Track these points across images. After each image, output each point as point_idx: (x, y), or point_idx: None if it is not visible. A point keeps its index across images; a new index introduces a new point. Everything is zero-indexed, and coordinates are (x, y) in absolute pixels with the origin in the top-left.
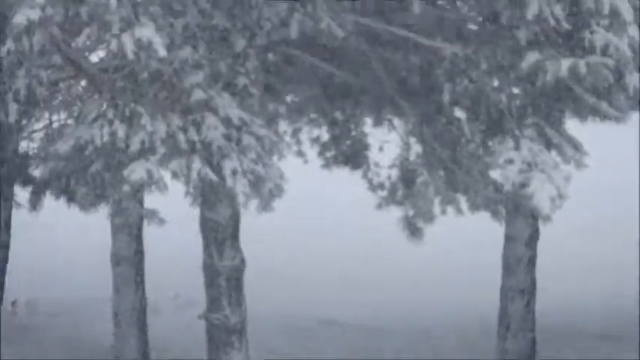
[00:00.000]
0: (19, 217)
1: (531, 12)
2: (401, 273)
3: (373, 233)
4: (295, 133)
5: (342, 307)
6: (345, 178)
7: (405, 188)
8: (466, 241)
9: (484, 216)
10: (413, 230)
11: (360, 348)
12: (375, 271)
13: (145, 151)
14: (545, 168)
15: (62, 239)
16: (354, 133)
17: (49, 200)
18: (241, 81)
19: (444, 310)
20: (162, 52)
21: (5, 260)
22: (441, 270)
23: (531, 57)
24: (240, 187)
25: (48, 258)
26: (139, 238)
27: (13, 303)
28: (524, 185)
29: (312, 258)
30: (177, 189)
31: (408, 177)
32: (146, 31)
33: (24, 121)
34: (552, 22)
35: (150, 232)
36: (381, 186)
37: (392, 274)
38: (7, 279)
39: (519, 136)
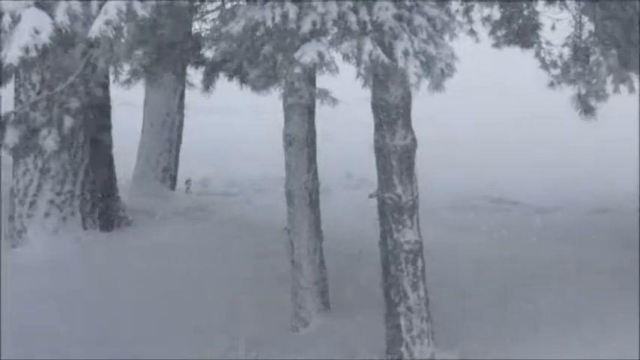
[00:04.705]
0: (194, 99)
1: None
2: (573, 153)
3: (545, 113)
4: (467, 12)
5: (515, 187)
6: (516, 57)
7: (578, 67)
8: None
9: None
10: (586, 108)
11: (532, 224)
12: (548, 151)
13: (317, 33)
14: None
15: (235, 120)
16: (525, 11)
17: (222, 82)
18: None
19: (622, 188)
20: None
21: (179, 140)
22: (613, 149)
23: None
24: (412, 67)
25: (221, 139)
26: (310, 119)
27: (187, 181)
28: None
29: (484, 138)
30: (348, 70)
31: (580, 55)
32: None
33: (197, 2)
34: None
35: (322, 112)
36: (554, 64)
37: (564, 153)
38: (181, 159)
39: None
